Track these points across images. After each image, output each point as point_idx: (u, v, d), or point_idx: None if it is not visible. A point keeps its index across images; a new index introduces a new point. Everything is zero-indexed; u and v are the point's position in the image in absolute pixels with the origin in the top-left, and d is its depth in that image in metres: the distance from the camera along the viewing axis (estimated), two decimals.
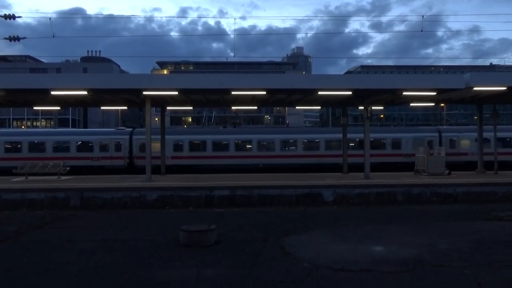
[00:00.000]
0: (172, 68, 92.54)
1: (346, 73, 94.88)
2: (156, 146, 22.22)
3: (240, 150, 28.12)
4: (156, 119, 59.41)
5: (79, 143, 27.61)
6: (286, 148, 28.45)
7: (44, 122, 73.23)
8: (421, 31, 27.26)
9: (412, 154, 24.29)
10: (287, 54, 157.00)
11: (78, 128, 66.95)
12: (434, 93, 16.31)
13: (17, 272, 6.66)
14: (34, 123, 73.03)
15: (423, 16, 27.62)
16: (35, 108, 21.38)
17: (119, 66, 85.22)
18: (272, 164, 27.22)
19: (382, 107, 22.86)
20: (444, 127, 34.06)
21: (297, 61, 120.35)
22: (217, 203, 14.19)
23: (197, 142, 28.08)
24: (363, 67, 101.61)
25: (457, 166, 25.09)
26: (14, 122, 73.23)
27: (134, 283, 6.07)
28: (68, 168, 19.68)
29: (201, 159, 27.61)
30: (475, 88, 15.40)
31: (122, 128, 34.20)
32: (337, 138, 27.03)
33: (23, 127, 69.93)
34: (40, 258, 7.45)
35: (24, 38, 22.34)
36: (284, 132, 32.46)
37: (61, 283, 6.15)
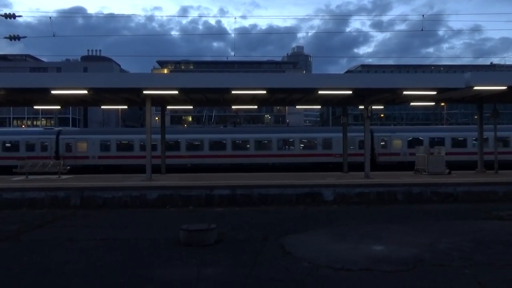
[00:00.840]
0: (173, 67, 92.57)
1: (346, 72, 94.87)
2: (83, 145, 22.14)
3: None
4: (157, 118, 59.40)
5: (7, 143, 27.59)
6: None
7: (45, 121, 73.24)
8: (421, 30, 27.29)
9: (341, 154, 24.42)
10: (287, 54, 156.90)
11: (79, 127, 67.00)
12: (435, 93, 16.29)
13: (18, 271, 6.67)
14: (34, 122, 73.04)
15: (423, 15, 27.57)
16: (35, 107, 21.36)
17: (120, 66, 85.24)
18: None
19: (382, 107, 22.85)
20: (376, 127, 33.30)
21: (298, 60, 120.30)
22: (217, 203, 14.19)
23: (125, 142, 27.95)
24: (363, 66, 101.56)
25: (389, 167, 25.31)
26: (15, 121, 73.26)
27: (134, 282, 6.08)
28: (68, 167, 19.71)
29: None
30: (475, 88, 15.38)
31: (51, 127, 34.21)
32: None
33: (23, 126, 69.96)
34: (40, 257, 7.46)
35: (24, 37, 22.34)
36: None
37: (62, 282, 6.16)
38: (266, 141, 28.41)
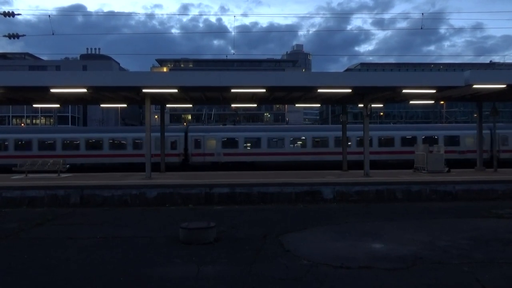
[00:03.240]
0: (172, 65, 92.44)
1: (345, 70, 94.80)
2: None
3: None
4: (156, 116, 59.40)
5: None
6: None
7: (44, 120, 73.17)
8: (421, 28, 27.24)
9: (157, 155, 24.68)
10: (287, 52, 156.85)
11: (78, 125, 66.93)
12: (434, 91, 16.29)
13: (18, 269, 6.68)
14: (34, 121, 72.97)
15: (422, 14, 27.54)
16: (34, 105, 21.35)
17: (119, 64, 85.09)
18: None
19: (381, 105, 22.86)
20: (192, 126, 32.60)
21: (297, 58, 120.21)
22: (216, 201, 14.21)
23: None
24: (363, 64, 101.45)
25: (203, 167, 25.44)
26: (14, 120, 73.18)
27: (134, 280, 6.10)
28: (68, 166, 19.70)
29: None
30: (474, 86, 15.39)
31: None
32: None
33: (22, 124, 69.88)
34: (40, 255, 7.48)
35: (23, 35, 22.32)
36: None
37: (62, 280, 6.17)
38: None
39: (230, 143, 28.03)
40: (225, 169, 25.25)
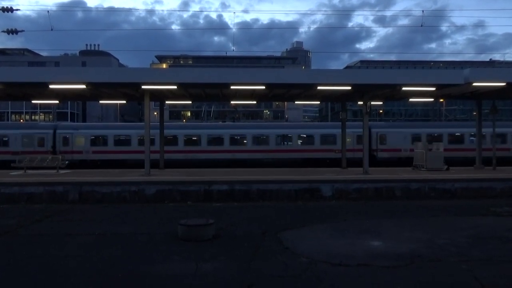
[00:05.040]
0: (171, 62, 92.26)
1: (345, 68, 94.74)
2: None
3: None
4: (155, 113, 59.33)
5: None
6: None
7: (43, 116, 73.06)
8: (421, 26, 27.15)
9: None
10: (286, 49, 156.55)
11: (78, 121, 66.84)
12: (433, 89, 16.28)
13: (16, 266, 6.68)
14: (33, 117, 72.86)
15: (423, 11, 27.47)
16: (33, 101, 21.30)
17: (118, 60, 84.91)
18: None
19: (381, 102, 22.85)
20: (62, 123, 31.85)
21: (297, 55, 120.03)
22: (216, 198, 14.21)
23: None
24: (363, 62, 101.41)
25: (70, 164, 24.58)
26: (13, 116, 73.06)
27: (132, 277, 6.10)
28: (67, 162, 19.68)
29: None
30: (474, 84, 15.38)
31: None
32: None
33: (21, 120, 69.78)
34: (39, 252, 7.47)
35: (22, 31, 22.22)
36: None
37: (60, 276, 6.17)
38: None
39: (99, 140, 28.04)
40: (95, 167, 25.20)
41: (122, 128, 30.01)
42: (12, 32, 21.18)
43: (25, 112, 72.65)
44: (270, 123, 41.39)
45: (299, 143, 28.98)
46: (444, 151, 27.58)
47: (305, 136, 29.18)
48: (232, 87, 15.81)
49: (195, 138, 28.52)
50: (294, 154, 28.41)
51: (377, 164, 26.67)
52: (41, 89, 17.01)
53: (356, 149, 27.99)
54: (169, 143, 26.38)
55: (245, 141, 28.65)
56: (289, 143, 28.76)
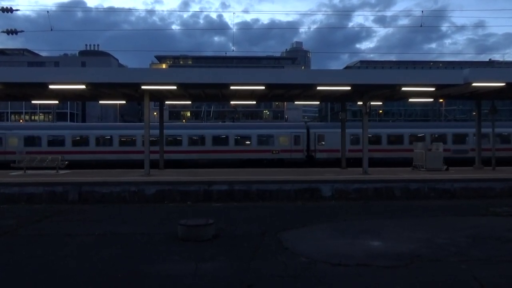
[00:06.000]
0: (171, 62, 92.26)
1: (345, 68, 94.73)
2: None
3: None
4: (155, 113, 59.35)
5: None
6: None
7: (43, 116, 73.03)
8: (421, 26, 27.16)
9: None
10: (286, 49, 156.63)
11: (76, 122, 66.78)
12: (433, 89, 16.30)
13: (16, 266, 6.67)
14: (32, 117, 72.82)
15: (422, 11, 27.50)
16: (33, 102, 21.30)
17: (118, 60, 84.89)
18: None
19: (381, 103, 22.87)
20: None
21: (296, 56, 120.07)
22: (215, 198, 14.22)
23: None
24: (362, 62, 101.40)
25: (2, 165, 24.60)
26: (12, 116, 73.01)
27: (132, 277, 6.10)
28: (66, 162, 19.68)
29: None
30: (473, 84, 15.40)
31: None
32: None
33: (21, 121, 69.73)
34: (38, 252, 7.47)
35: (21, 31, 22.23)
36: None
37: (60, 276, 6.17)
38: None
39: (33, 141, 27.86)
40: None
41: (56, 128, 29.80)
42: (11, 32, 21.18)
43: (25, 112, 72.61)
44: (207, 123, 41.09)
45: (236, 143, 28.52)
46: (381, 152, 28.08)
47: (240, 137, 28.83)
48: (231, 87, 15.81)
49: (130, 139, 28.42)
50: (230, 155, 27.95)
51: (316, 165, 26.88)
52: (41, 90, 17.00)
53: (293, 150, 28.27)
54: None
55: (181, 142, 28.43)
56: (226, 143, 28.30)
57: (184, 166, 25.18)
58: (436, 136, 28.75)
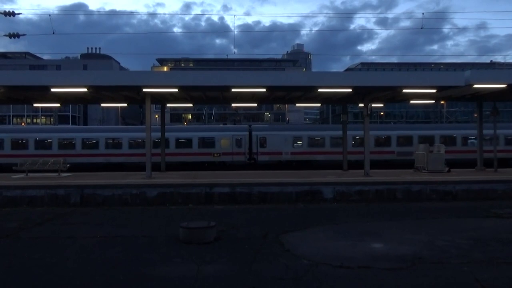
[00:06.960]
0: (172, 65, 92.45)
1: (346, 70, 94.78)
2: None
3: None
4: (156, 116, 59.39)
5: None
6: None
7: (44, 119, 73.18)
8: (421, 28, 27.17)
9: None
10: (287, 51, 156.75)
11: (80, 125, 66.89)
12: (434, 91, 16.28)
13: (18, 268, 6.69)
14: (34, 120, 72.99)
15: (423, 13, 27.49)
16: (35, 105, 21.36)
17: (119, 63, 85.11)
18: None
19: (382, 105, 22.85)
20: None
21: (297, 58, 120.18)
22: (217, 200, 14.22)
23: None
24: (364, 64, 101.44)
25: None
26: (14, 119, 73.18)
27: (134, 279, 6.11)
28: (68, 165, 19.72)
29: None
30: (475, 86, 15.37)
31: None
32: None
33: (23, 124, 69.89)
34: (41, 254, 7.49)
35: (23, 35, 22.34)
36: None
37: (62, 278, 6.19)
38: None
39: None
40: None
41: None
42: (14, 36, 21.27)
43: (27, 115, 72.77)
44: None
45: (177, 146, 28.24)
46: (323, 154, 27.19)
47: (181, 140, 28.58)
48: (232, 89, 15.83)
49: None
50: (171, 158, 26.79)
51: (258, 167, 26.75)
52: (43, 93, 17.05)
53: (235, 153, 28.18)
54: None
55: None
56: (166, 146, 27.54)
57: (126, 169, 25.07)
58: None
